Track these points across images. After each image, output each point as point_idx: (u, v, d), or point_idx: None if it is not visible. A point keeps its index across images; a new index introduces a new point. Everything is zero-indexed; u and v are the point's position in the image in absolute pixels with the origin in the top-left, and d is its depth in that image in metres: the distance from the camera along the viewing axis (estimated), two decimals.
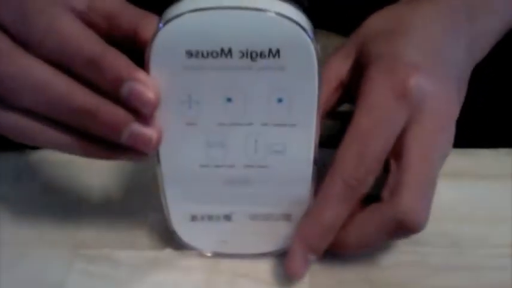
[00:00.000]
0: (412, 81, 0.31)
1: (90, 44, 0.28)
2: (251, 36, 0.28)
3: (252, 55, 0.28)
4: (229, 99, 0.30)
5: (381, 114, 0.31)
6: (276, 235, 0.35)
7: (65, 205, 0.40)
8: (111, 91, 0.28)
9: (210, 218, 0.35)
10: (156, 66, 0.29)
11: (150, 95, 0.28)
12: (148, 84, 0.28)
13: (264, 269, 0.36)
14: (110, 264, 0.36)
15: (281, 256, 0.36)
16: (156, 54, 0.28)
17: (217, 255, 0.36)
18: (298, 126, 0.31)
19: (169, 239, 0.36)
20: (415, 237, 0.37)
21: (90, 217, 0.39)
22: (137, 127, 0.29)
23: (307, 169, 0.33)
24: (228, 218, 0.35)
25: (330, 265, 0.36)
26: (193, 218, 0.35)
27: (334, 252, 0.35)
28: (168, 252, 0.37)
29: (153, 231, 0.38)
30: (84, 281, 0.35)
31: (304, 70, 0.29)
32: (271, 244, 0.36)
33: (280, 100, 0.30)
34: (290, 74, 0.29)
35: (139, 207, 0.39)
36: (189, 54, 0.28)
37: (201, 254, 0.36)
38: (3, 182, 0.42)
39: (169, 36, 0.28)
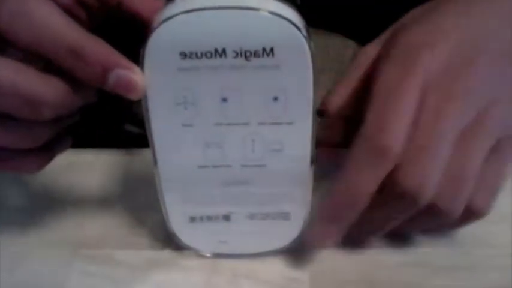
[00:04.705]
0: (423, 57, 0.31)
1: (70, 32, 0.28)
2: (245, 35, 0.28)
3: (246, 54, 0.28)
4: (224, 99, 0.30)
5: (397, 88, 0.31)
6: (275, 234, 0.35)
7: (65, 205, 0.40)
8: (95, 80, 0.28)
9: (209, 218, 0.35)
10: (151, 68, 0.29)
11: (137, 80, 0.28)
12: (134, 70, 0.28)
13: (264, 269, 0.36)
14: (110, 264, 0.36)
15: (281, 256, 0.36)
16: (150, 56, 0.28)
17: (217, 255, 0.36)
18: (295, 124, 0.31)
19: (169, 239, 0.36)
20: (415, 237, 0.37)
21: (90, 217, 0.39)
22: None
23: (305, 167, 0.32)
24: (227, 218, 0.35)
25: (331, 265, 0.36)
26: (192, 220, 0.35)
27: (336, 251, 0.35)
28: (168, 252, 0.37)
29: (153, 231, 0.38)
30: (84, 281, 0.35)
31: (298, 68, 0.29)
32: (270, 243, 0.36)
33: (275, 99, 0.30)
34: (285, 73, 0.29)
35: (140, 207, 0.39)
36: (183, 55, 0.28)
37: (200, 255, 0.36)
38: (3, 182, 0.42)
39: (162, 38, 0.28)
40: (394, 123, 0.30)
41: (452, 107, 0.30)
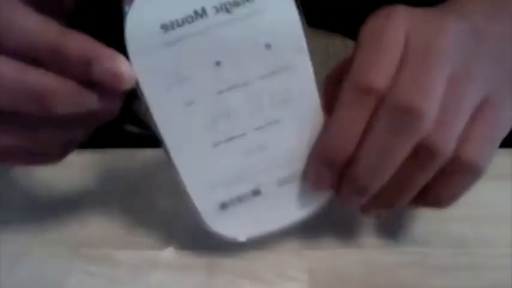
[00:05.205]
0: (402, 9, 0.31)
1: (47, 31, 0.27)
2: None
3: (227, 7, 0.28)
4: (218, 63, 0.29)
5: (383, 35, 0.30)
6: (306, 197, 0.34)
7: (65, 205, 0.40)
8: (82, 75, 0.28)
9: (240, 199, 0.33)
10: (135, 52, 0.28)
11: (123, 68, 0.28)
12: (118, 58, 0.28)
13: (264, 269, 0.36)
14: (110, 264, 0.36)
15: (281, 256, 0.36)
16: (131, 40, 0.28)
17: (253, 240, 0.35)
18: (295, 68, 0.30)
19: (170, 239, 0.36)
20: (416, 237, 0.37)
21: (90, 217, 0.39)
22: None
23: (317, 116, 0.31)
24: (257, 192, 0.33)
25: (330, 265, 0.36)
26: (223, 206, 0.33)
27: (335, 250, 0.35)
28: (168, 252, 0.37)
29: (153, 231, 0.38)
30: (84, 281, 0.35)
31: (283, 7, 0.28)
32: (304, 208, 0.34)
33: (268, 46, 0.29)
34: (270, 16, 0.28)
35: (140, 207, 0.39)
36: (165, 28, 0.27)
37: (201, 254, 0.36)
38: (4, 181, 0.42)
39: (138, 18, 0.27)
40: (379, 62, 0.30)
41: (441, 45, 0.30)
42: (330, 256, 0.36)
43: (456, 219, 0.38)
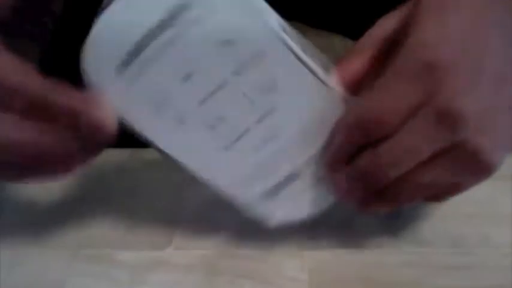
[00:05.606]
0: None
1: (30, 85, 0.27)
2: (154, 7, 0.27)
3: (168, 23, 0.27)
4: (188, 75, 0.28)
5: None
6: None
7: (65, 205, 0.40)
8: (69, 125, 0.28)
9: (279, 186, 0.32)
10: (108, 94, 0.28)
11: (107, 116, 0.28)
12: (101, 108, 0.28)
13: (264, 269, 0.36)
14: (110, 264, 0.36)
15: (281, 255, 0.36)
16: (98, 85, 0.28)
17: (292, 222, 0.34)
18: (268, 52, 0.29)
19: (170, 239, 0.36)
20: (416, 237, 0.37)
21: (90, 217, 0.39)
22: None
23: (316, 87, 0.30)
24: (293, 177, 0.32)
25: (331, 265, 0.36)
26: (266, 195, 0.32)
27: (336, 251, 0.35)
28: (168, 252, 0.37)
29: (153, 231, 0.38)
30: (84, 281, 0.35)
31: (222, 1, 0.28)
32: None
33: (227, 41, 0.28)
34: (221, 12, 0.28)
35: (139, 207, 0.39)
36: (122, 66, 0.27)
37: (201, 254, 0.36)
38: (3, 182, 0.42)
39: (95, 62, 0.27)
40: (448, 37, 0.28)
41: (492, 43, 0.29)
42: (330, 256, 0.36)
43: (456, 219, 0.38)
